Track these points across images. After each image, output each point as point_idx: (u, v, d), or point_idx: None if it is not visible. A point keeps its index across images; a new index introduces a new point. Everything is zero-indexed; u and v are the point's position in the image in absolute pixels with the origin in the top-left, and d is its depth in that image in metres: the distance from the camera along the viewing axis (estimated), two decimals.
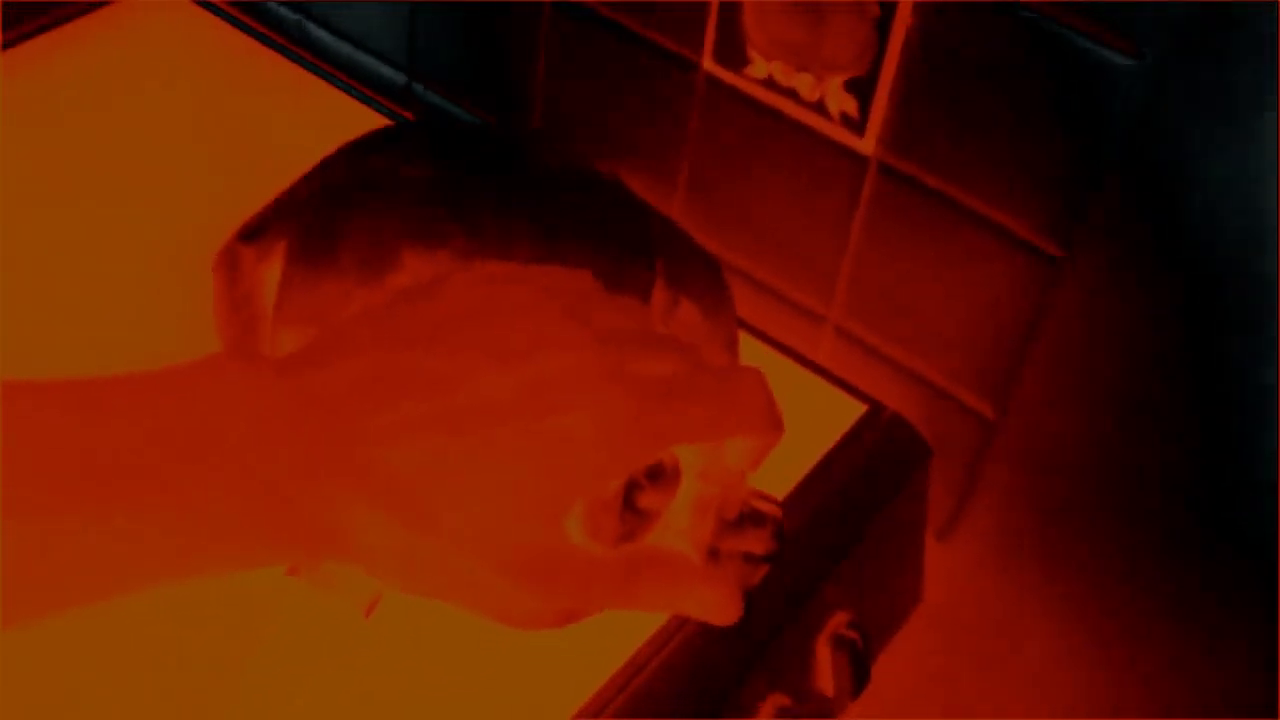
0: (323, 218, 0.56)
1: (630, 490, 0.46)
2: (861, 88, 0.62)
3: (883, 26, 0.60)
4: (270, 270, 0.55)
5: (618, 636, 0.59)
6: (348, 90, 0.83)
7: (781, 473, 0.65)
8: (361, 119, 0.81)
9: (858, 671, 0.64)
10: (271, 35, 0.87)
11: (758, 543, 0.49)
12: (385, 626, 0.59)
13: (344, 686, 0.57)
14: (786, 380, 0.71)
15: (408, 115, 0.83)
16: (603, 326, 0.46)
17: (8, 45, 0.82)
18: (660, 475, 0.47)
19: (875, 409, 0.69)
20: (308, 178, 0.59)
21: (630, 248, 0.56)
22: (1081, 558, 0.68)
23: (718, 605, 0.48)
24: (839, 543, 0.64)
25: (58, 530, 0.39)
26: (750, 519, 0.49)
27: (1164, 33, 0.53)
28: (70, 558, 0.39)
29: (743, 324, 0.73)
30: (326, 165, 0.60)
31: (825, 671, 0.64)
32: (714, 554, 0.49)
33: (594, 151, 0.74)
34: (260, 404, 0.42)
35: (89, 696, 0.56)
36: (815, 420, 0.68)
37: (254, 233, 0.57)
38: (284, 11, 0.86)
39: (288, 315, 0.55)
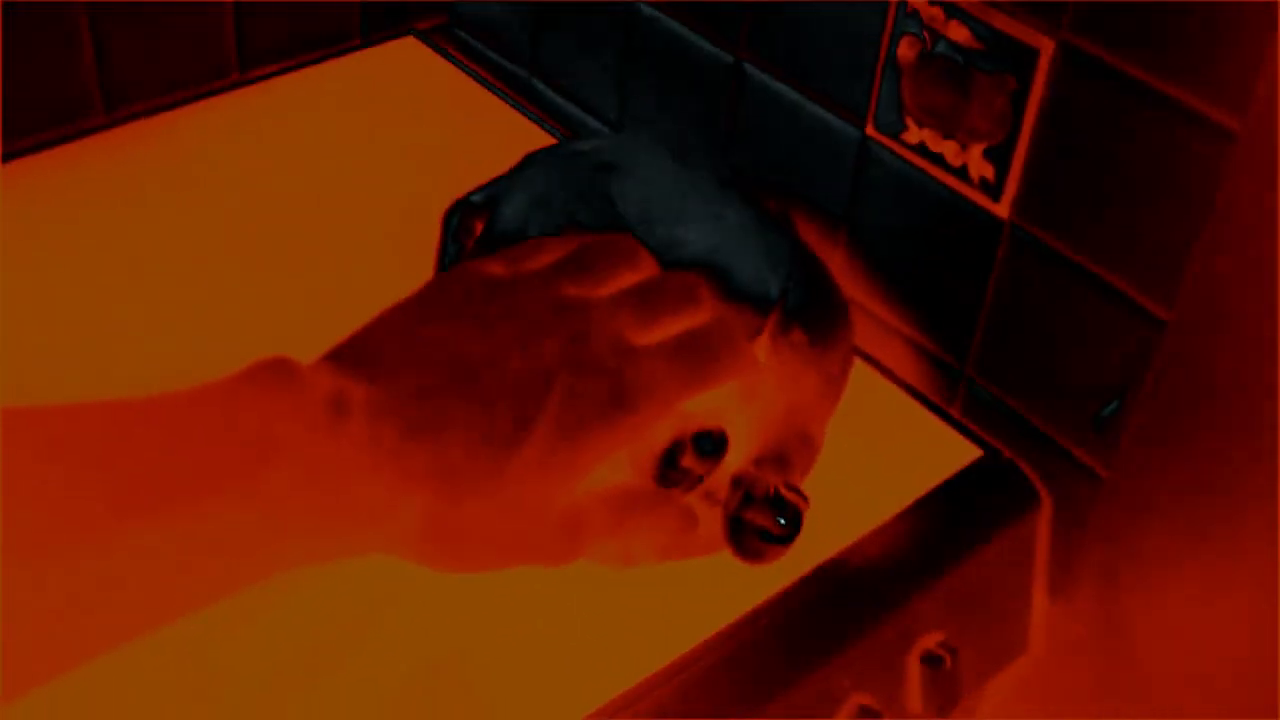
0: None
1: (676, 449, 0.54)
2: (999, 155, 0.69)
3: (1018, 97, 0.66)
4: (480, 224, 0.64)
5: (702, 612, 0.64)
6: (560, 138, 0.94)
7: (894, 497, 0.71)
8: None
9: (946, 691, 0.69)
10: (502, 87, 0.98)
11: (774, 523, 0.57)
12: (446, 602, 0.63)
13: (393, 667, 0.62)
14: (917, 424, 0.76)
15: None
16: (607, 294, 0.53)
17: (269, 76, 0.95)
18: (707, 444, 0.55)
19: (993, 453, 0.74)
20: (530, 159, 0.68)
21: (765, 271, 0.63)
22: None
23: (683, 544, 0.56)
24: (936, 563, 0.69)
25: (145, 543, 0.41)
26: (775, 503, 0.57)
27: None
28: (162, 568, 0.42)
29: (882, 367, 0.79)
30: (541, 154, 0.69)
31: (914, 685, 0.68)
32: (737, 523, 0.56)
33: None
34: (315, 410, 0.45)
35: (94, 696, 0.57)
36: (936, 459, 0.74)
37: (478, 193, 0.66)
38: (516, 69, 0.98)
39: (477, 254, 0.63)
